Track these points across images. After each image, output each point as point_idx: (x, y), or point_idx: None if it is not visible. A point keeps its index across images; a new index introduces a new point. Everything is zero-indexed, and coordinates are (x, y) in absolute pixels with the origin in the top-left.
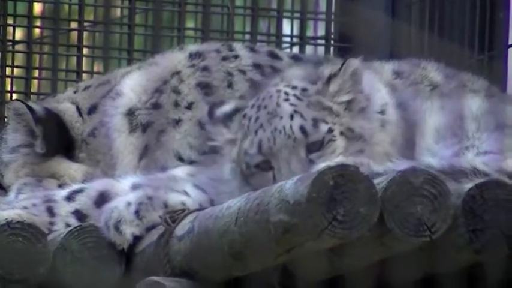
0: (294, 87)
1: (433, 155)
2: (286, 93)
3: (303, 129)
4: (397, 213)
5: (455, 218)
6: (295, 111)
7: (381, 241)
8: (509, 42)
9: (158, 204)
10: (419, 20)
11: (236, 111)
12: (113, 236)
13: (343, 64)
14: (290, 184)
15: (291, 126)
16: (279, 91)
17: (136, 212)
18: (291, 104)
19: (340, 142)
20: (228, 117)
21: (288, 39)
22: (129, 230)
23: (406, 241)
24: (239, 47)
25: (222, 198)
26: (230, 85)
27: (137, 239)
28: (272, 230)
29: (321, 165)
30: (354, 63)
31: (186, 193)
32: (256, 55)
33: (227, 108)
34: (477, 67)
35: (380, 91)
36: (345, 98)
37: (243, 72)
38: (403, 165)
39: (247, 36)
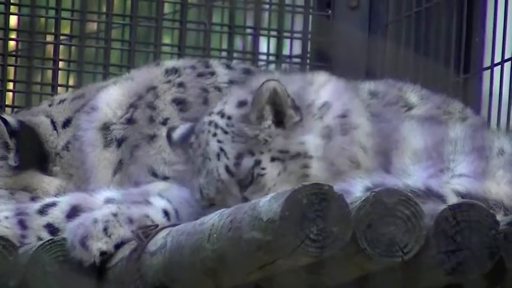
0: (223, 116)
1: (408, 176)
2: (216, 126)
3: (228, 169)
4: (370, 233)
5: (428, 239)
6: (221, 149)
7: (353, 260)
8: (484, 65)
9: (123, 220)
10: (395, 40)
11: (191, 131)
12: (79, 252)
13: (257, 90)
14: (264, 202)
15: (217, 169)
16: (210, 123)
17: (105, 230)
18: (218, 141)
19: (271, 173)
20: (185, 140)
21: (264, 57)
22: (96, 246)
23: (378, 261)
24: (215, 64)
25: (186, 208)
26: (205, 101)
27: (103, 254)
28: (245, 247)
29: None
30: (268, 86)
31: (147, 202)
32: (232, 72)
33: (182, 129)
34: (452, 88)
35: (342, 99)
36: (267, 123)
37: (218, 89)
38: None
39: (223, 53)
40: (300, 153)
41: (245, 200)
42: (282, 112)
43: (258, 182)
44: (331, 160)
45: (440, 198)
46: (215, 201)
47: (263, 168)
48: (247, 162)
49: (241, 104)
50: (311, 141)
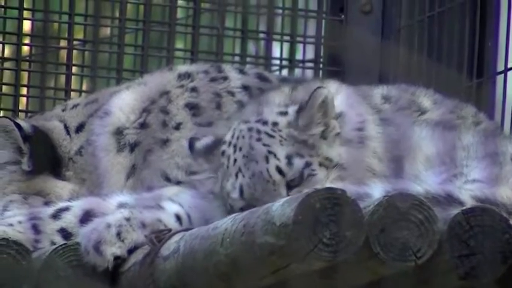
0: (265, 123)
1: (421, 182)
2: (258, 131)
3: (279, 170)
4: (383, 238)
5: (441, 243)
6: (269, 152)
7: (366, 265)
8: (497, 70)
9: (136, 224)
10: (408, 45)
11: (216, 143)
12: (93, 257)
13: (310, 95)
14: (277, 206)
15: (267, 170)
16: (250, 129)
17: (118, 234)
18: (264, 145)
19: (321, 175)
20: (209, 151)
21: (277, 61)
22: (110, 251)
23: (391, 265)
24: (228, 69)
25: (197, 213)
26: (218, 106)
27: (117, 259)
28: (258, 251)
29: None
30: (322, 93)
31: (160, 207)
32: (245, 77)
33: (207, 140)
34: (465, 93)
35: (356, 109)
36: (317, 130)
37: (231, 93)
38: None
39: (236, 58)
40: (339, 164)
41: None
42: (326, 122)
43: (307, 182)
44: (354, 172)
45: (461, 204)
46: (257, 202)
47: (313, 170)
48: (299, 163)
49: (283, 113)
50: (342, 152)
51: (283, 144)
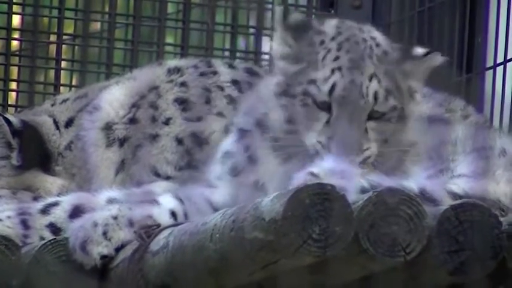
0: (378, 45)
1: (408, 177)
2: (371, 48)
3: (376, 95)
4: (372, 233)
5: (430, 239)
6: (375, 75)
7: (355, 260)
8: (487, 65)
9: (124, 222)
10: (398, 40)
11: (309, 26)
12: (80, 256)
13: (428, 53)
14: (266, 201)
15: (367, 88)
16: (364, 40)
17: (104, 233)
18: (373, 64)
19: (392, 127)
20: (297, 30)
21: (267, 56)
22: (96, 250)
23: (381, 261)
24: (218, 63)
25: (195, 210)
26: (208, 101)
27: (104, 258)
28: (247, 247)
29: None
30: (439, 59)
31: (155, 202)
32: (234, 71)
33: (299, 19)
34: (455, 88)
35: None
36: (413, 83)
37: (221, 88)
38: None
39: (226, 53)
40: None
41: (365, 130)
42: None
43: (384, 124)
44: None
45: (434, 202)
46: (341, 107)
47: (393, 117)
48: (392, 102)
49: (393, 48)
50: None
51: (388, 76)
